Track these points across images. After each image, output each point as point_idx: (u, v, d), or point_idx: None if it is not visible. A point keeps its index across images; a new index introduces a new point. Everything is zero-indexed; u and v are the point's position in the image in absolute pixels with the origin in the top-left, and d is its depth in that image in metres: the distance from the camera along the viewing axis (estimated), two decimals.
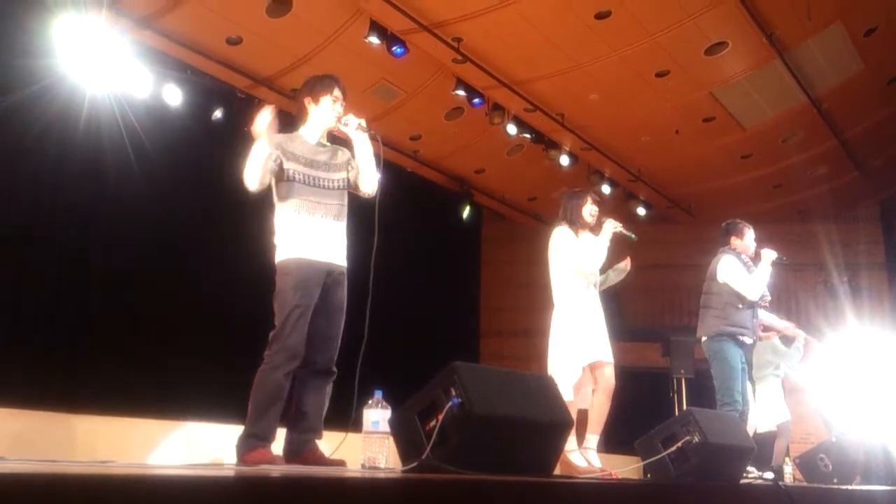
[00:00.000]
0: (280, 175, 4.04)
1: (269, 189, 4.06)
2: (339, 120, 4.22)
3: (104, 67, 7.23)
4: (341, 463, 3.93)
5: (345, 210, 4.19)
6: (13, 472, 1.39)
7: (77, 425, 5.39)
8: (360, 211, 4.37)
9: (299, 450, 3.95)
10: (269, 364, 3.85)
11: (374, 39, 8.06)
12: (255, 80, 8.77)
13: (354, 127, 4.22)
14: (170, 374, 7.51)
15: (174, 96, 8.14)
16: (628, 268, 5.72)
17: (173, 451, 5.66)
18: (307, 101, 4.22)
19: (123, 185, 7.54)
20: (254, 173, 3.96)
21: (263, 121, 4.00)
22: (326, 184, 4.13)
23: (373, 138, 4.33)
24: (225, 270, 8.24)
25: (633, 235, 5.56)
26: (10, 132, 6.79)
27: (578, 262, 5.37)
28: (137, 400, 6.45)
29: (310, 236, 4.01)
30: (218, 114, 8.54)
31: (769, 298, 6.33)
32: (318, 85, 4.24)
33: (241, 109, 8.47)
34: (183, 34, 8.03)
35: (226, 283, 8.23)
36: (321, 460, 3.93)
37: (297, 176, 4.04)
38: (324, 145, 4.23)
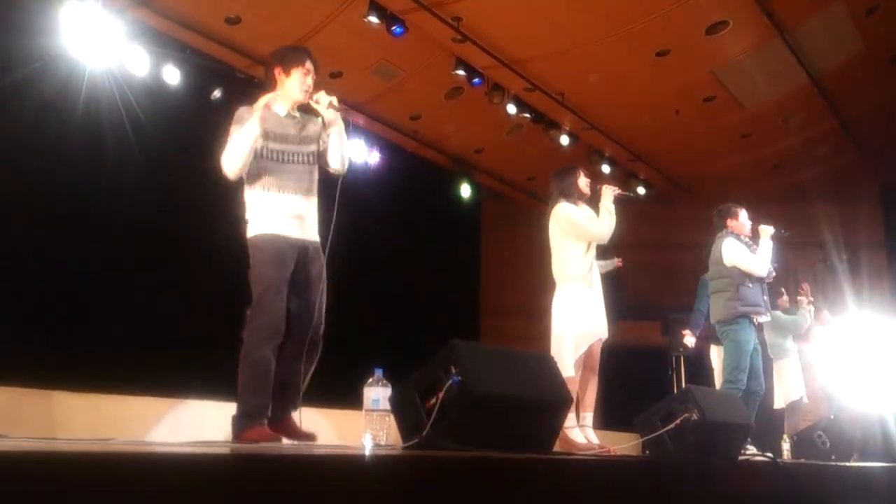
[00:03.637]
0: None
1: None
2: (309, 96, 4.19)
3: (102, 46, 7.21)
4: (312, 438, 3.98)
5: (315, 185, 4.17)
6: (14, 449, 1.39)
7: (77, 403, 5.42)
8: (353, 189, 4.37)
9: (275, 417, 3.97)
10: (252, 341, 3.84)
11: (373, 19, 8.02)
12: (253, 59, 8.73)
13: (326, 105, 4.19)
14: (171, 352, 7.53)
15: (173, 76, 8.12)
16: (618, 264, 5.87)
17: (174, 428, 5.69)
18: (277, 71, 4.17)
19: (122, 164, 7.53)
20: (238, 158, 3.92)
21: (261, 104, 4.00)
22: (296, 158, 4.10)
23: (344, 115, 4.31)
24: (225, 247, 8.22)
25: (631, 194, 5.68)
26: (8, 111, 6.77)
27: (596, 229, 5.42)
28: (138, 377, 6.47)
29: (281, 214, 4.00)
30: (217, 93, 8.52)
31: (774, 274, 6.44)
32: (289, 56, 4.21)
33: (240, 89, 8.44)
34: (181, 13, 8.00)
35: (227, 259, 8.21)
36: (294, 431, 3.99)
37: (266, 153, 4.02)
38: (293, 116, 4.19)
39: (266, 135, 4.03)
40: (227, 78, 8.68)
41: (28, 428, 4.56)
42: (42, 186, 7.21)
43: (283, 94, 4.17)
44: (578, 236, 5.44)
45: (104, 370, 6.73)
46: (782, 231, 6.43)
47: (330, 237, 4.15)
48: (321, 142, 4.19)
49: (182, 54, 8.23)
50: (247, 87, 8.40)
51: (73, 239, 7.44)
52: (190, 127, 8.29)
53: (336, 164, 4.20)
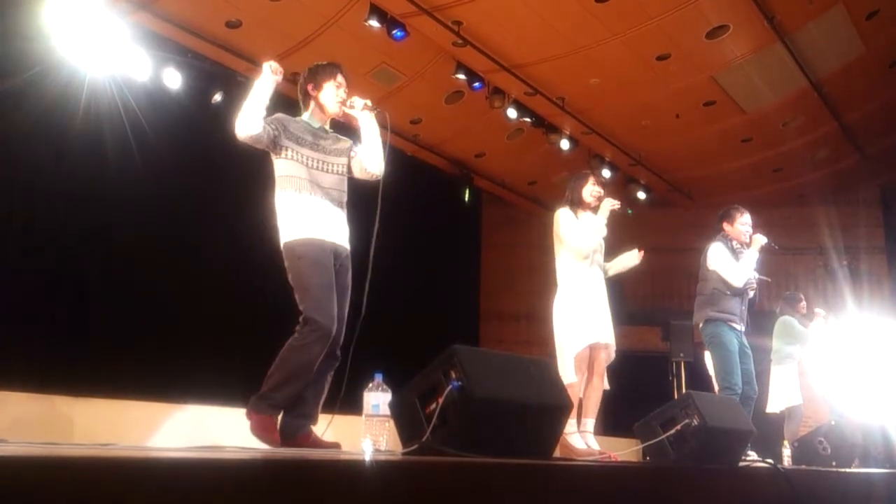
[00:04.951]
0: (279, 153, 4.04)
1: (261, 144, 4.01)
2: (343, 104, 4.23)
3: (103, 51, 7.21)
4: (336, 446, 3.93)
5: (345, 196, 4.20)
6: (14, 454, 1.39)
7: (77, 408, 5.41)
8: (360, 194, 4.37)
9: (293, 433, 3.93)
10: (303, 340, 3.82)
11: (374, 23, 8.03)
12: (254, 63, 8.72)
13: (361, 107, 4.24)
14: (171, 357, 7.53)
15: (174, 80, 8.12)
16: (637, 261, 5.76)
17: (175, 433, 5.68)
18: (310, 87, 4.23)
19: (123, 168, 7.54)
20: (252, 113, 3.92)
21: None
22: (327, 167, 4.13)
23: (380, 117, 4.32)
24: (226, 253, 8.25)
25: (629, 211, 5.65)
26: (8, 116, 6.77)
27: (576, 242, 5.42)
28: (138, 382, 6.46)
29: (315, 216, 4.00)
30: (217, 97, 8.53)
31: (754, 285, 6.36)
32: (320, 71, 4.26)
33: (241, 93, 8.42)
34: (182, 17, 8.00)
35: (227, 265, 8.24)
36: (316, 443, 3.93)
37: (296, 156, 4.04)
38: (326, 131, 4.24)
39: (300, 142, 4.06)
40: (228, 81, 8.68)
41: (28, 433, 4.55)
42: (43, 189, 7.21)
43: (316, 109, 4.23)
44: (561, 244, 5.49)
45: (105, 375, 6.74)
46: (773, 245, 6.41)
47: (373, 246, 4.16)
48: (351, 155, 4.24)
49: (183, 58, 8.23)
50: (247, 91, 8.39)
51: (74, 244, 7.44)
52: (191, 130, 8.30)
53: (372, 168, 4.21)
